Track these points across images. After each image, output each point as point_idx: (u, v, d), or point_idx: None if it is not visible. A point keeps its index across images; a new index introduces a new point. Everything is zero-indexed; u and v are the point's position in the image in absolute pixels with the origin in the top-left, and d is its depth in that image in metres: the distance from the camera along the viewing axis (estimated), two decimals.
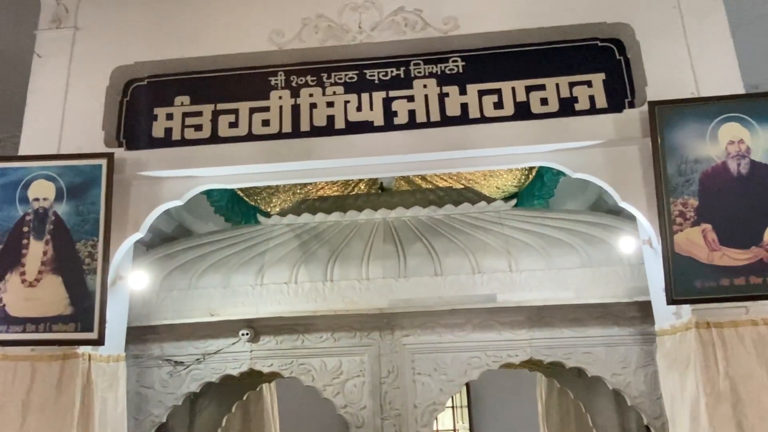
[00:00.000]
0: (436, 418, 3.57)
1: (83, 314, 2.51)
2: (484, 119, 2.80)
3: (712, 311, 2.40)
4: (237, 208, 4.37)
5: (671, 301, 2.41)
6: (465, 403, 7.94)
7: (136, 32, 2.99)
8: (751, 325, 2.35)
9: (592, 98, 2.80)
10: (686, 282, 2.38)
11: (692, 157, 2.43)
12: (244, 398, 4.34)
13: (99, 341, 2.51)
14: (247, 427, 4.96)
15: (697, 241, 2.39)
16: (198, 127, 2.93)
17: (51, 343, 2.51)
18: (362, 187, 4.35)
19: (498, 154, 2.79)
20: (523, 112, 2.80)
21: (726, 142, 2.43)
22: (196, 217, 4.38)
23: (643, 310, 3.02)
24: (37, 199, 2.61)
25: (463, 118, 2.81)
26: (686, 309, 2.46)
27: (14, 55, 3.58)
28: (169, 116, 2.96)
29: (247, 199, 4.32)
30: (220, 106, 2.94)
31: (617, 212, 3.41)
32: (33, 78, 2.95)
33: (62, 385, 2.49)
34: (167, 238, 4.09)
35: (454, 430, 7.96)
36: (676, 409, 2.50)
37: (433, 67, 2.92)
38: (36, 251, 2.56)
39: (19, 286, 2.54)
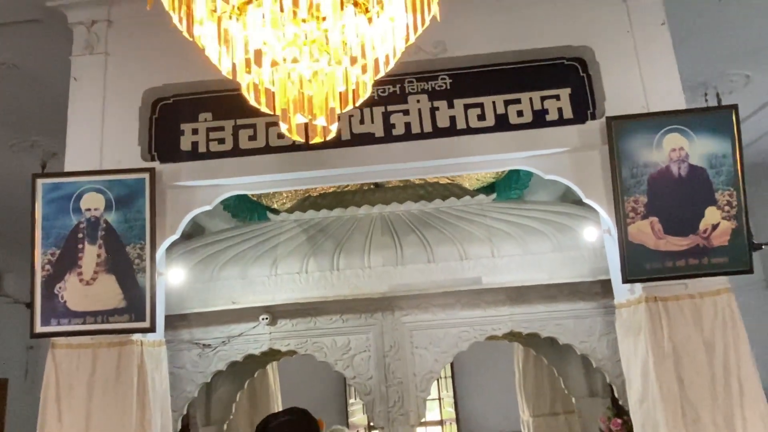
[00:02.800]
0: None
1: (136, 307, 2.95)
2: (469, 130, 3.27)
3: (659, 288, 2.95)
4: (243, 205, 4.79)
5: (625, 280, 2.96)
6: (449, 374, 8.54)
7: (161, 57, 3.36)
8: (689, 299, 2.91)
9: (560, 110, 3.29)
10: (638, 264, 2.92)
11: (642, 162, 2.96)
12: (255, 376, 4.83)
13: (151, 329, 2.96)
14: (254, 401, 5.48)
15: (646, 231, 2.93)
16: (221, 141, 3.34)
17: (109, 333, 2.95)
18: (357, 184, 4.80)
19: (482, 161, 3.28)
20: (502, 123, 3.28)
21: (669, 150, 2.96)
22: (206, 214, 4.77)
23: (605, 287, 3.56)
24: (89, 209, 3.01)
25: (452, 129, 3.28)
26: (638, 286, 3.01)
27: (49, 77, 3.92)
28: (195, 131, 3.36)
29: (253, 197, 4.73)
30: (240, 122, 3.35)
31: (583, 202, 3.95)
32: (72, 99, 3.31)
33: (120, 367, 2.93)
34: (183, 235, 4.49)
35: (439, 398, 8.58)
36: (631, 368, 3.07)
37: (424, 85, 3.37)
38: (91, 254, 2.97)
39: (78, 284, 2.96)
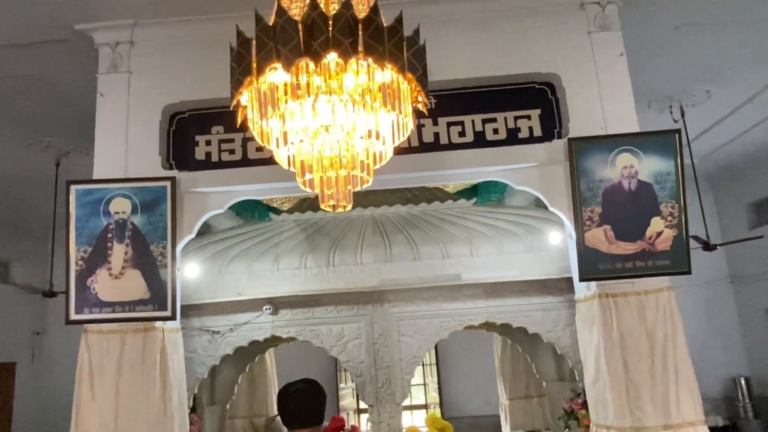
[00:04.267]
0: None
1: (159, 298, 3.39)
2: (451, 145, 3.73)
3: (610, 285, 3.44)
4: (245, 204, 5.16)
5: (582, 279, 3.44)
6: (434, 361, 9.06)
7: (178, 75, 3.78)
8: (635, 295, 3.40)
9: (530, 129, 3.75)
10: (592, 266, 3.40)
11: (598, 178, 3.44)
12: (256, 359, 5.29)
13: (172, 317, 3.41)
14: (253, 384, 5.96)
15: (600, 237, 3.41)
16: (231, 151, 3.77)
17: (135, 320, 3.38)
18: None
19: (461, 173, 3.74)
20: (480, 139, 3.74)
21: (621, 167, 3.44)
22: None
23: (570, 284, 4.02)
24: (117, 212, 3.44)
25: (436, 145, 3.73)
26: (593, 284, 3.49)
27: (69, 87, 4.32)
28: (208, 142, 3.79)
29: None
30: (249, 134, 3.75)
31: None
32: (99, 113, 3.72)
33: (145, 350, 3.38)
34: None
35: (425, 384, 9.09)
36: (586, 354, 3.56)
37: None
38: (119, 252, 3.41)
39: (107, 278, 3.39)
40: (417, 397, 9.12)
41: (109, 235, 3.42)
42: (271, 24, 1.49)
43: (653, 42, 4.67)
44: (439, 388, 8.99)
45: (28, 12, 3.66)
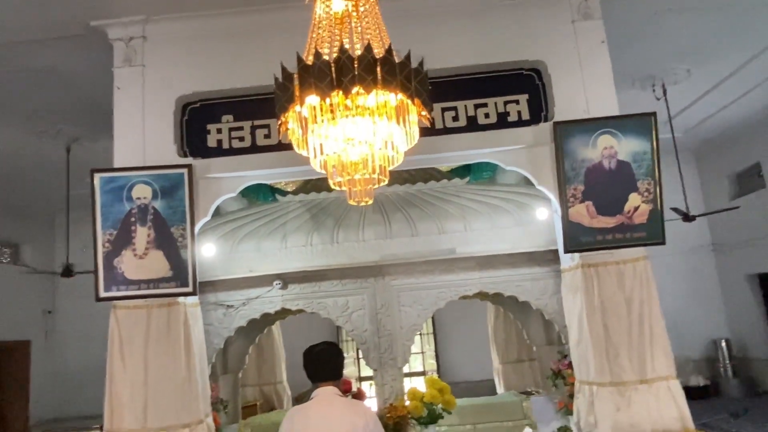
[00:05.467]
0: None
1: (180, 275, 3.69)
2: (446, 130, 4.01)
3: (592, 256, 3.77)
4: (251, 186, 5.47)
5: (566, 250, 3.78)
6: (431, 330, 9.49)
7: (190, 68, 4.02)
8: (614, 265, 3.74)
9: (519, 113, 4.04)
10: (576, 238, 3.74)
11: (580, 158, 3.74)
12: (265, 332, 5.64)
13: (193, 293, 3.72)
14: (262, 354, 6.35)
15: (582, 213, 3.73)
16: (241, 139, 4.04)
17: (159, 296, 3.70)
18: None
19: (455, 155, 4.03)
20: (472, 123, 4.02)
21: (602, 148, 3.74)
22: None
23: (556, 255, 4.32)
24: (139, 198, 3.72)
25: (432, 129, 3.99)
26: (576, 256, 3.82)
27: (81, 78, 4.56)
28: (219, 131, 4.06)
29: None
30: (257, 122, 4.04)
31: None
32: (116, 105, 3.97)
33: (170, 323, 3.70)
34: None
35: (422, 352, 9.54)
36: (571, 319, 3.92)
37: None
38: (142, 234, 3.70)
39: (132, 258, 3.70)
40: (415, 364, 9.56)
41: (133, 219, 3.71)
42: (310, 63, 1.81)
43: (635, 26, 4.94)
44: (437, 356, 9.44)
45: (45, 10, 3.89)
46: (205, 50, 4.08)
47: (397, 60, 1.96)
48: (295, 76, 1.84)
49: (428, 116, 2.23)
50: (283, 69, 2.00)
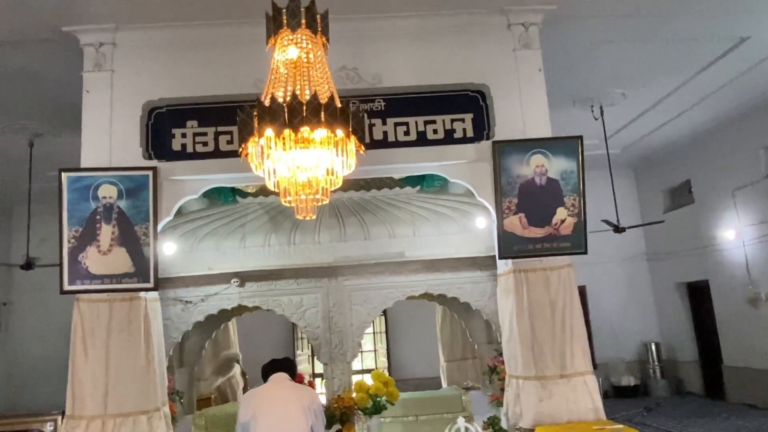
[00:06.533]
0: (361, 341, 5.28)
1: (142, 272, 3.93)
2: (397, 143, 4.35)
3: (523, 262, 4.19)
4: (212, 188, 5.71)
5: (500, 257, 4.19)
6: (383, 329, 9.85)
7: (157, 74, 4.25)
8: (543, 271, 4.17)
9: (464, 130, 4.41)
10: (509, 246, 4.14)
11: (515, 174, 4.16)
12: (221, 328, 5.88)
13: (154, 288, 3.97)
14: (217, 349, 6.57)
15: (516, 223, 4.14)
16: (205, 143, 4.28)
17: (121, 291, 3.92)
18: None
19: (406, 167, 4.39)
20: (422, 138, 4.37)
21: (534, 166, 4.16)
22: None
23: (495, 261, 4.77)
24: (104, 197, 3.94)
25: (385, 142, 4.34)
26: (510, 262, 4.24)
27: (45, 76, 4.73)
28: (183, 135, 4.29)
29: None
30: (220, 128, 4.29)
31: None
32: (84, 108, 4.16)
33: (131, 316, 3.92)
34: None
35: (375, 350, 9.89)
36: (503, 318, 4.33)
37: (365, 106, 4.39)
38: (106, 232, 3.92)
39: (96, 254, 3.91)
40: (368, 362, 9.91)
41: (98, 217, 3.92)
42: (267, 105, 2.15)
43: (575, 53, 5.41)
44: (388, 354, 9.81)
45: (18, 14, 4.05)
46: (173, 58, 4.32)
47: (338, 105, 2.32)
48: (255, 114, 2.16)
49: (363, 149, 2.57)
50: (245, 107, 2.35)
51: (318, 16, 2.47)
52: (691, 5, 4.75)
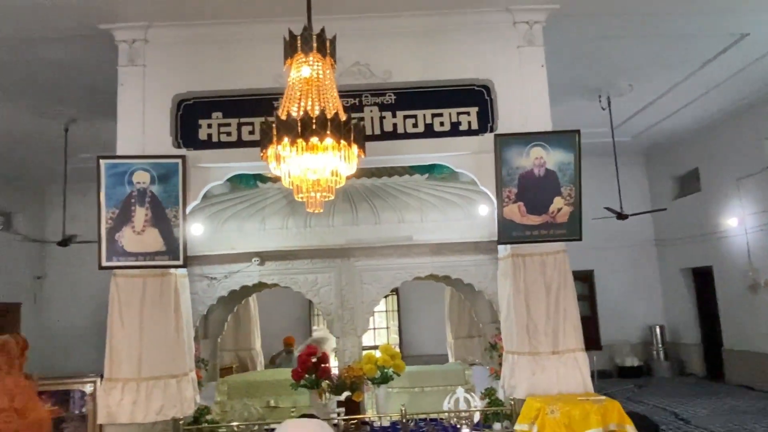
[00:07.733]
0: (374, 318, 5.66)
1: (173, 250, 4.34)
2: (406, 135, 4.67)
3: (521, 248, 4.50)
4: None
5: (500, 242, 4.51)
6: (395, 308, 10.27)
7: (186, 68, 4.62)
8: (539, 256, 4.48)
9: (469, 123, 4.71)
10: (508, 233, 4.46)
11: (515, 166, 4.45)
12: (242, 302, 6.31)
13: (183, 265, 4.38)
14: (238, 323, 7.03)
15: (515, 211, 4.45)
16: (228, 134, 4.65)
17: (154, 267, 4.34)
18: None
19: (414, 158, 4.72)
20: (429, 130, 4.68)
21: (533, 158, 4.45)
22: None
23: (496, 246, 5.11)
24: (138, 182, 4.33)
25: (394, 134, 4.67)
26: (509, 247, 4.56)
27: (82, 67, 5.13)
28: (209, 126, 4.66)
29: None
30: (243, 120, 4.65)
31: None
32: (120, 99, 4.55)
33: (162, 290, 4.35)
34: None
35: (387, 327, 10.32)
36: (501, 299, 4.67)
37: (376, 99, 4.71)
38: (140, 214, 4.33)
39: (131, 234, 4.32)
40: (381, 339, 10.35)
41: (132, 200, 4.33)
42: (284, 119, 2.54)
43: (583, 46, 5.64)
44: (400, 331, 10.24)
45: (60, 13, 4.43)
46: (199, 54, 4.67)
47: (343, 118, 2.74)
48: (274, 125, 2.55)
49: (364, 154, 2.94)
50: (265, 121, 2.79)
51: (327, 42, 2.84)
52: (691, 4, 4.94)
